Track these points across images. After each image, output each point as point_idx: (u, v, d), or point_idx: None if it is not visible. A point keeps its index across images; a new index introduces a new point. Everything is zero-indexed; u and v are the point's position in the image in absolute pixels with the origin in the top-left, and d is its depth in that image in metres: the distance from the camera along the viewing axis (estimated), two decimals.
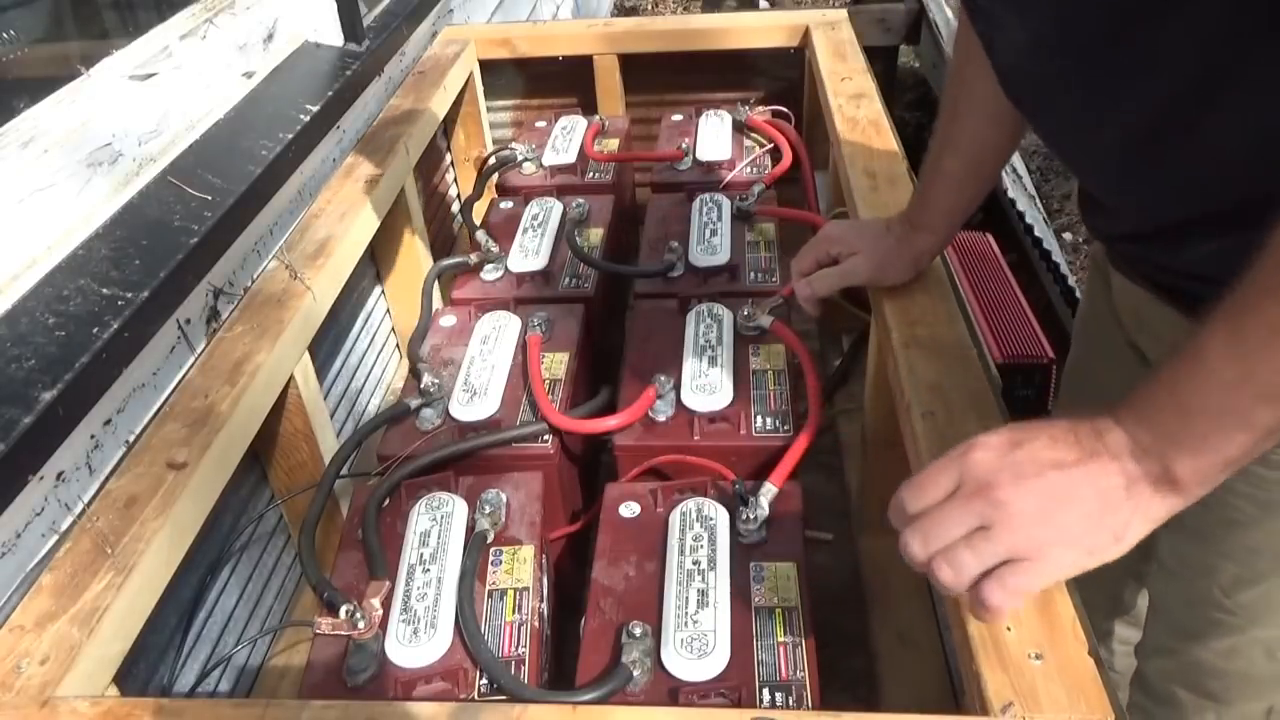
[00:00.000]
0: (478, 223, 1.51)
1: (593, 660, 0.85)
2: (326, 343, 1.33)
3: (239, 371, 1.00)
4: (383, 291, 1.56)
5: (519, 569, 0.94)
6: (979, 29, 0.87)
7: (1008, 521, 0.59)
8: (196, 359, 1.04)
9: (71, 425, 0.85)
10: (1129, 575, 1.24)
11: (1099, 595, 1.24)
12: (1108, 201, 0.85)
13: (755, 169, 1.64)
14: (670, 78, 1.95)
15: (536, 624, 0.90)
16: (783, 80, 1.93)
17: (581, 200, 1.51)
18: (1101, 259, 1.03)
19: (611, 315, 1.49)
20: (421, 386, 1.13)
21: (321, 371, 1.25)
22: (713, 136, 1.72)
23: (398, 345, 1.60)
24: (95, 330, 0.88)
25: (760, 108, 1.79)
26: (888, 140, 1.39)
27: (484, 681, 0.84)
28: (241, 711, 0.72)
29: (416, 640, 0.86)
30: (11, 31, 1.08)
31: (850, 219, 1.26)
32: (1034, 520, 0.59)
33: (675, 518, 0.96)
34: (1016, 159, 2.98)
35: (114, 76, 1.15)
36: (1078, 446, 0.60)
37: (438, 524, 0.97)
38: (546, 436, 1.09)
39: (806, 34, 1.80)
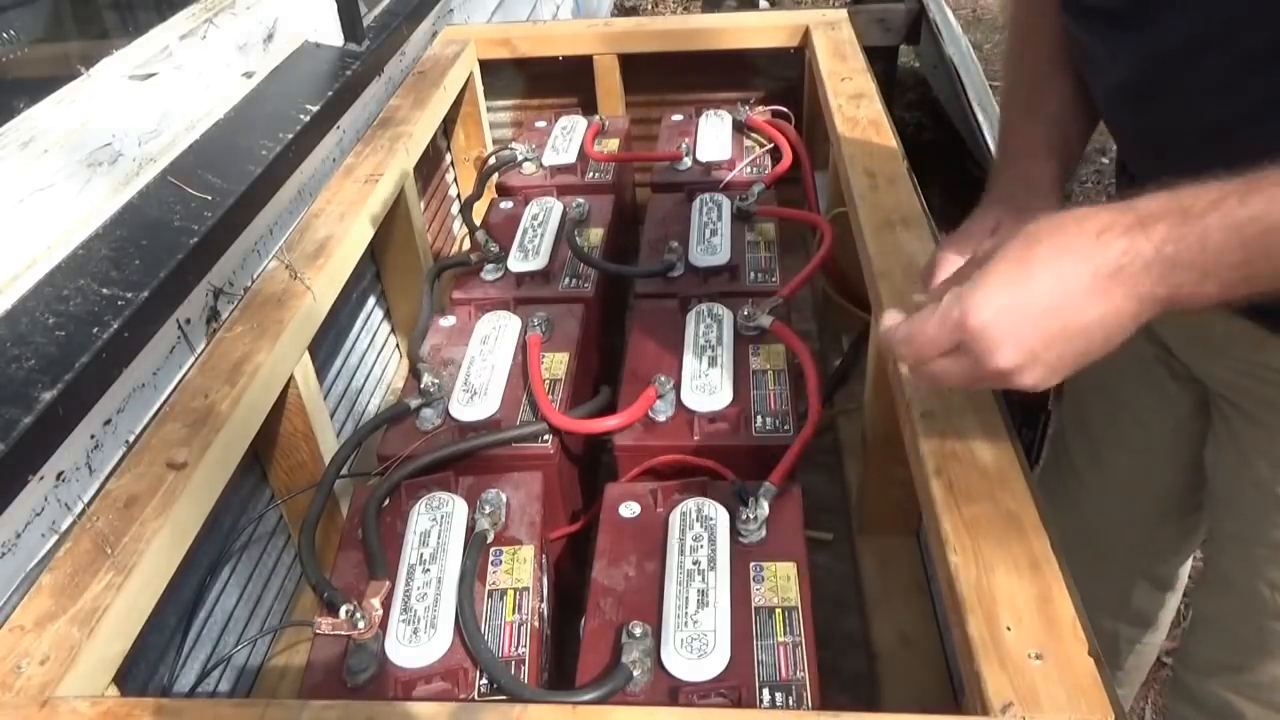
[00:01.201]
0: (478, 223, 1.51)
1: (593, 660, 0.85)
2: (326, 343, 1.33)
3: (239, 371, 1.00)
4: (383, 291, 1.56)
5: (519, 569, 0.94)
6: (1091, 35, 0.82)
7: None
8: (196, 359, 1.04)
9: (71, 425, 0.85)
10: (1139, 576, 1.23)
11: (1103, 592, 1.23)
12: None
13: (755, 169, 1.63)
14: (670, 78, 1.95)
15: (536, 624, 0.90)
16: (783, 80, 1.93)
17: (581, 200, 1.51)
18: None
19: (611, 315, 1.49)
20: (421, 386, 1.13)
21: (321, 371, 1.25)
22: (713, 136, 1.72)
23: (398, 345, 1.60)
24: (95, 330, 0.88)
25: (760, 108, 1.78)
26: (888, 140, 1.39)
27: (484, 681, 0.84)
28: (241, 711, 0.72)
29: (416, 640, 0.86)
30: (11, 31, 1.08)
31: (946, 249, 0.89)
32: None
33: (675, 518, 0.96)
34: None
35: (114, 76, 1.15)
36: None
37: (438, 524, 0.97)
38: (546, 436, 1.09)
39: (806, 34, 1.80)
